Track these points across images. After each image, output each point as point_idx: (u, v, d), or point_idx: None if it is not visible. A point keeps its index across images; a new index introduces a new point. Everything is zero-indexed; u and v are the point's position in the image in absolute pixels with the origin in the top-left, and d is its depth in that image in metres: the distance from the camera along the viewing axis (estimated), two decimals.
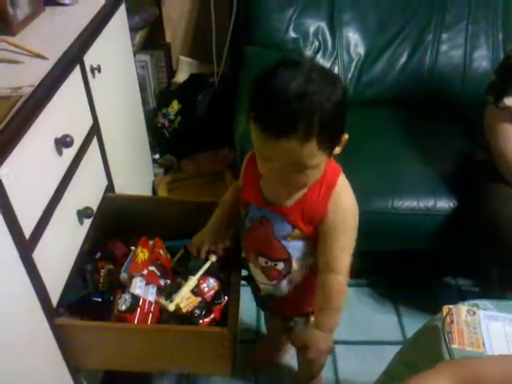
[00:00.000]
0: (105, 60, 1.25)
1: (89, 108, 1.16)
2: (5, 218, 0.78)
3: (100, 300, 1.10)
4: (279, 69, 0.78)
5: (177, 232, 1.22)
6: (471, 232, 1.38)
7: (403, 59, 1.86)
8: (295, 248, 0.96)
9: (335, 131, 0.81)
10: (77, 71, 1.08)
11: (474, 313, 0.95)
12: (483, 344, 0.89)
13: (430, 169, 1.51)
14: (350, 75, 1.87)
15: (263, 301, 1.17)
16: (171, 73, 2.27)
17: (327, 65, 1.85)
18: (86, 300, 1.09)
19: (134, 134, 1.67)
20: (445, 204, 1.43)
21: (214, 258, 1.13)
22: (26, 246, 0.85)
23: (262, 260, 1.01)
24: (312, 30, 1.83)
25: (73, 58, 1.06)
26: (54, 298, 0.97)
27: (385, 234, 1.49)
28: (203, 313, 1.06)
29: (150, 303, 1.05)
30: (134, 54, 1.74)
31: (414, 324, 1.06)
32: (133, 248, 1.14)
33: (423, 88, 1.86)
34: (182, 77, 2.21)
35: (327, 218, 0.89)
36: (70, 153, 1.03)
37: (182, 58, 2.24)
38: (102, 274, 1.12)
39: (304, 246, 0.96)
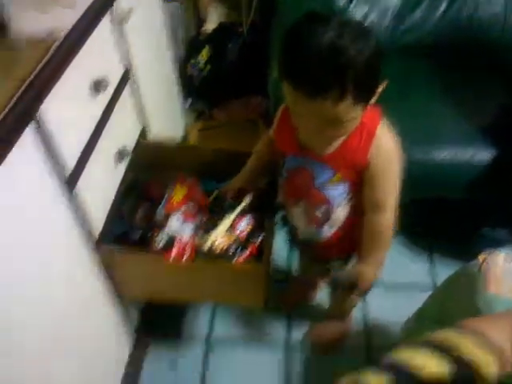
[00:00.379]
0: (136, 5, 1.27)
1: (122, 53, 1.19)
2: (48, 156, 0.84)
3: (138, 237, 1.16)
4: (309, 24, 0.76)
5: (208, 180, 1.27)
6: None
7: (443, 7, 1.80)
8: (335, 193, 0.97)
9: (370, 85, 0.79)
10: (108, 16, 1.10)
11: None
12: None
13: (468, 120, 1.48)
14: (386, 22, 1.82)
15: (300, 244, 1.20)
16: (200, 22, 2.26)
17: (363, 11, 1.81)
18: (124, 237, 1.16)
19: (165, 81, 1.70)
20: (484, 155, 1.42)
21: (248, 200, 1.17)
22: (69, 183, 0.91)
23: (301, 205, 1.04)
24: None
25: (104, 2, 1.08)
26: (96, 232, 1.04)
27: (424, 184, 1.48)
28: (238, 250, 1.11)
29: (186, 242, 1.10)
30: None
31: (446, 273, 1.08)
32: (169, 187, 1.18)
33: (462, 36, 1.80)
34: (210, 26, 2.20)
35: (371, 163, 0.90)
36: (105, 95, 1.07)
37: (210, 6, 2.22)
38: (138, 213, 1.18)
39: (344, 191, 0.96)
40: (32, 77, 0.79)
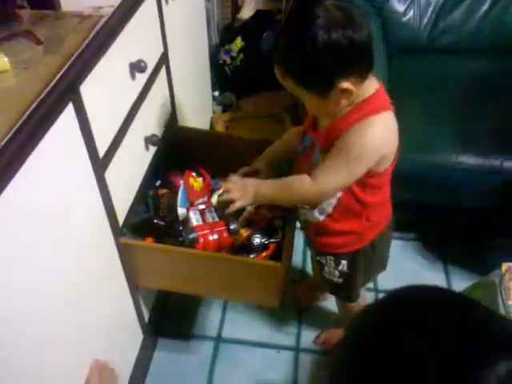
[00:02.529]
0: None
1: (161, 36, 1.16)
2: (83, 137, 0.81)
3: (163, 223, 1.14)
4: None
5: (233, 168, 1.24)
6: None
7: (485, 6, 1.75)
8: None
9: (308, 76, 0.86)
10: None
11: None
12: None
13: (500, 127, 1.45)
14: (425, 20, 1.78)
15: (303, 227, 1.18)
16: (236, 8, 2.22)
17: (402, 7, 1.77)
18: (148, 222, 1.14)
19: (199, 68, 1.67)
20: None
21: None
22: (100, 166, 0.88)
23: None
24: None
25: None
26: (121, 218, 1.02)
27: (445, 188, 1.47)
28: (262, 240, 1.09)
29: (210, 239, 1.07)
30: None
31: (462, 284, 1.05)
32: (181, 181, 1.15)
33: (504, 39, 1.75)
34: (247, 13, 2.16)
35: (341, 137, 0.91)
36: (142, 78, 1.04)
37: None
38: (161, 201, 1.15)
39: None
40: (77, 55, 0.77)
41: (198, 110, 1.76)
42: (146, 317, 1.27)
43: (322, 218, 1.04)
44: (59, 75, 0.72)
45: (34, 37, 0.79)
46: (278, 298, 1.08)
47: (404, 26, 1.78)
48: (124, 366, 1.18)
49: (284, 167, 1.14)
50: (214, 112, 1.97)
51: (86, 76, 0.79)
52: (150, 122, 1.14)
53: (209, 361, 1.40)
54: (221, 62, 2.00)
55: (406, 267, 1.61)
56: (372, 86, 0.91)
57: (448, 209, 1.57)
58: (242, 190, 1.00)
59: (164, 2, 1.15)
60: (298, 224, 1.15)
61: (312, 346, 1.44)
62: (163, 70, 1.20)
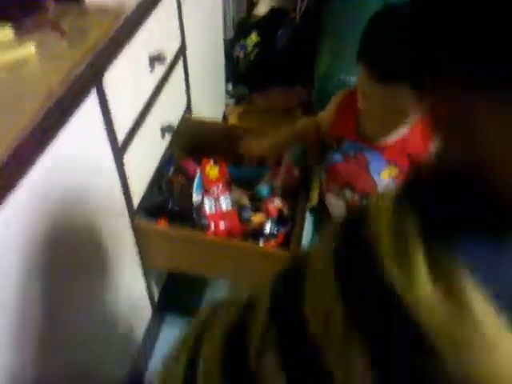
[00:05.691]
0: None
1: (179, 29, 1.22)
2: (104, 121, 0.87)
3: (177, 208, 1.20)
4: (392, 17, 0.78)
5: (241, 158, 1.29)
6: None
7: None
8: (386, 186, 0.98)
9: None
10: None
11: None
12: None
13: None
14: None
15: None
16: (252, 4, 2.26)
17: None
18: (162, 206, 1.20)
19: (213, 61, 1.72)
20: None
21: (278, 183, 1.20)
22: (119, 149, 0.94)
23: (348, 193, 1.05)
24: None
25: None
26: (136, 200, 1.07)
27: None
28: (273, 229, 1.14)
29: (220, 227, 1.13)
30: None
31: None
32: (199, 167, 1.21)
33: None
34: (262, 9, 2.20)
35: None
36: (160, 69, 1.10)
37: None
38: (174, 186, 1.21)
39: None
40: (100, 46, 0.82)
41: (212, 102, 1.81)
42: (156, 295, 1.34)
43: None
44: (84, 66, 0.78)
45: (59, 27, 0.85)
46: None
47: None
48: (133, 338, 1.24)
49: (297, 154, 1.18)
50: (227, 105, 2.02)
51: (107, 67, 0.85)
52: (166, 111, 1.19)
53: None
54: (235, 56, 2.05)
55: None
56: None
57: None
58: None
59: None
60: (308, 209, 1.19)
61: None
62: (180, 63, 1.26)
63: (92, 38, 0.84)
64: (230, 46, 2.14)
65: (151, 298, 1.29)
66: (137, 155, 1.03)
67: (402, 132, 0.92)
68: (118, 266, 1.07)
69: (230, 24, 2.23)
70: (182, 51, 1.25)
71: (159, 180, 1.23)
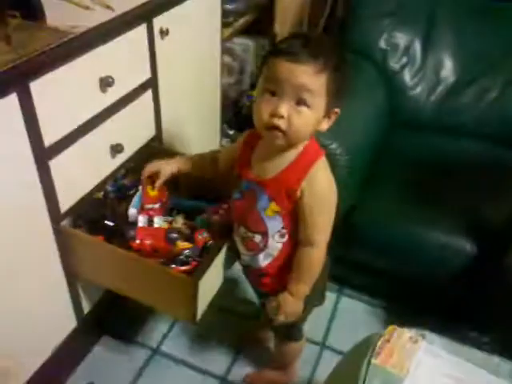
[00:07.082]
0: (179, 27, 1.41)
1: (149, 63, 1.33)
2: (25, 121, 0.97)
3: (112, 224, 1.26)
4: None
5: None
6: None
7: (493, 94, 1.76)
8: (273, 224, 1.02)
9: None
10: (142, 28, 1.25)
11: (417, 341, 0.93)
12: (407, 370, 0.87)
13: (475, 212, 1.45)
14: (433, 98, 1.82)
15: (244, 271, 1.23)
16: None
17: (412, 82, 1.83)
18: (100, 222, 1.26)
19: (203, 104, 1.80)
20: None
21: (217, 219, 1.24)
22: (42, 152, 1.03)
23: (242, 230, 1.09)
24: (403, 44, 1.82)
25: (139, 16, 1.22)
26: (64, 206, 1.15)
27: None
28: (189, 257, 1.17)
29: (146, 242, 1.17)
30: (233, 36, 1.89)
31: None
32: (140, 187, 1.27)
33: (508, 128, 1.74)
34: None
35: (304, 195, 0.96)
36: (115, 94, 1.20)
37: None
38: (110, 203, 1.28)
39: (280, 222, 1.01)
40: (31, 56, 0.93)
41: (203, 141, 1.89)
42: (86, 309, 1.37)
43: (266, 262, 1.09)
44: (11, 65, 0.89)
45: (9, 38, 0.97)
46: (190, 313, 1.14)
47: (410, 99, 1.83)
48: (44, 345, 1.27)
49: (199, 222, 1.26)
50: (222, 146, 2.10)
51: (38, 75, 0.95)
52: (122, 132, 1.28)
53: (137, 369, 1.46)
54: (241, 104, 2.16)
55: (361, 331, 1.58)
56: None
57: (422, 284, 1.56)
58: (287, 313, 1.08)
59: (158, 36, 1.32)
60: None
61: (240, 380, 1.46)
62: (149, 93, 1.36)
63: (29, 48, 0.95)
64: (242, 96, 2.26)
65: (77, 309, 1.33)
66: (71, 163, 1.11)
67: (284, 166, 0.96)
68: (33, 269, 1.13)
69: (247, 77, 2.37)
70: (151, 83, 1.36)
71: (106, 196, 1.31)
